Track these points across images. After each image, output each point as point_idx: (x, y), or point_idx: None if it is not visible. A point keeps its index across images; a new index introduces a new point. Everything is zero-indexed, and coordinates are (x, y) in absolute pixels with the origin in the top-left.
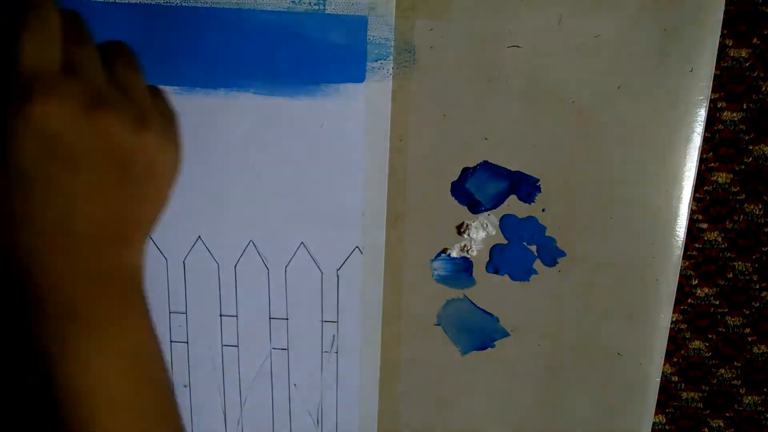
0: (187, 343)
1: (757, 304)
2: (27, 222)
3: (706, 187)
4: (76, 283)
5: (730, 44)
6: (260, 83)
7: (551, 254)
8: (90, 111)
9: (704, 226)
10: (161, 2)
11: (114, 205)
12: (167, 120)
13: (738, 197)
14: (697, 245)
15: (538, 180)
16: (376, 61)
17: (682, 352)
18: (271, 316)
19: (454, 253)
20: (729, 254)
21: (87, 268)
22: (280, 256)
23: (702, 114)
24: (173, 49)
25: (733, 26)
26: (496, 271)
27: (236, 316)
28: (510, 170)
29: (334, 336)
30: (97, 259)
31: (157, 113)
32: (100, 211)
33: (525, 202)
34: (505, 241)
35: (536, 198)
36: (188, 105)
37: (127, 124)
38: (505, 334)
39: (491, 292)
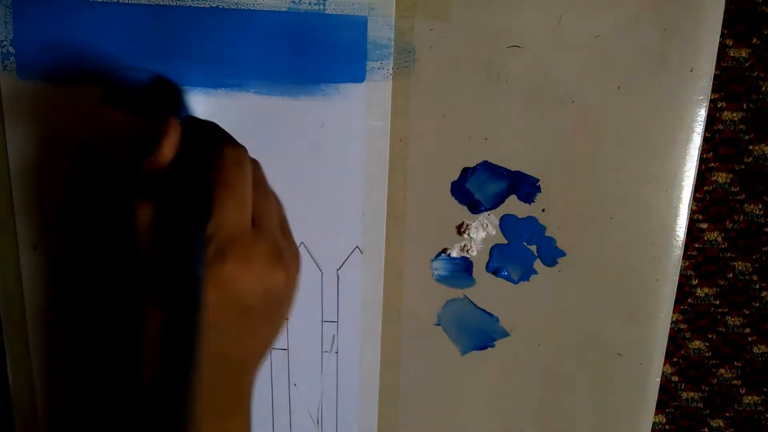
0: None
1: (757, 304)
2: None
3: (706, 187)
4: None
5: (730, 44)
6: (260, 83)
7: (551, 254)
8: (272, 267)
9: (704, 226)
10: (161, 2)
11: (259, 338)
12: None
13: (738, 197)
14: (697, 245)
15: (538, 180)
16: (376, 61)
17: (682, 352)
18: None
19: (454, 253)
20: (729, 254)
21: (214, 388)
22: None
23: (702, 114)
24: (173, 49)
25: (733, 26)
26: (496, 271)
27: None
28: (510, 170)
29: (334, 336)
30: (222, 380)
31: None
32: (248, 345)
33: (525, 202)
34: (505, 241)
35: (536, 198)
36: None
37: (288, 269)
38: (505, 334)
39: (491, 292)
